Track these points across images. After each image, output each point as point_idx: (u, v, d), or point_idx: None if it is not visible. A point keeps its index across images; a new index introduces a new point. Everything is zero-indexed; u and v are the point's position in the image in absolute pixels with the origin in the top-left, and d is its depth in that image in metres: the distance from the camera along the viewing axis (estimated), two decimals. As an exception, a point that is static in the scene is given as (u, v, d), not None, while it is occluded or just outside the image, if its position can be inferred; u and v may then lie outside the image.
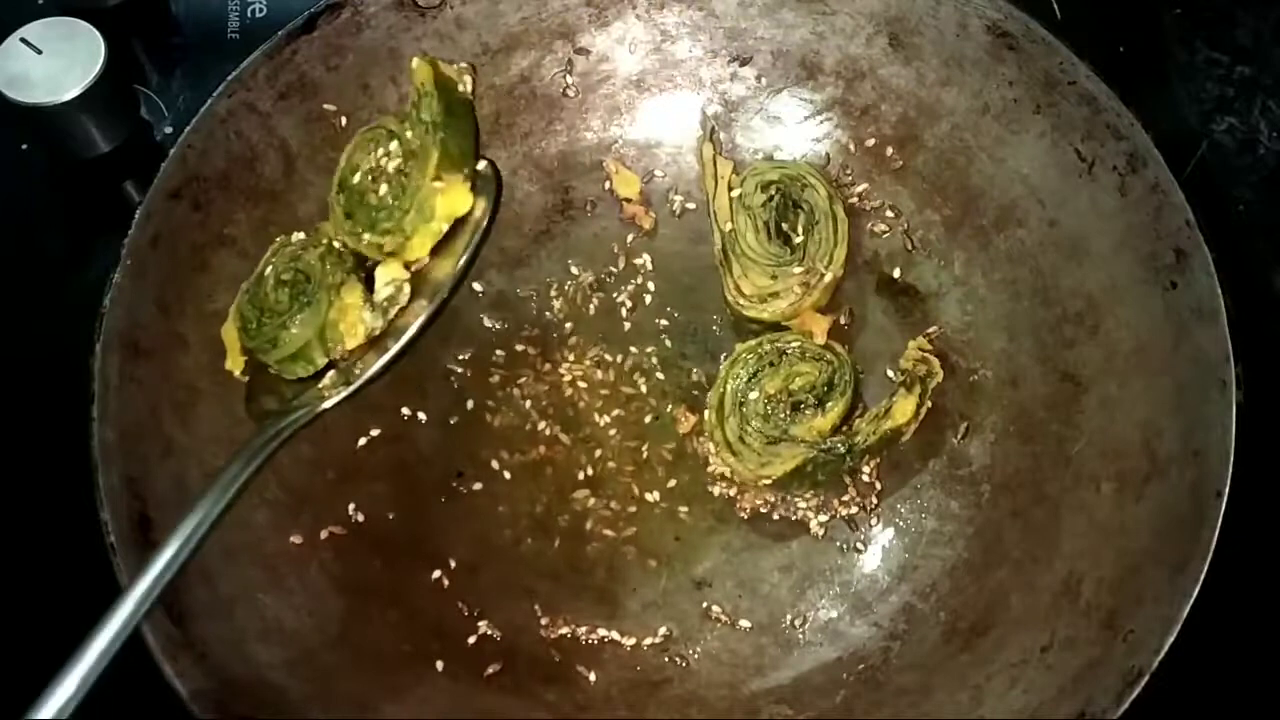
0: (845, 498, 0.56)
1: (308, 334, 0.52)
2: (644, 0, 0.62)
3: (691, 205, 0.63)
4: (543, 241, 0.62)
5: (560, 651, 0.54)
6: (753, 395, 0.56)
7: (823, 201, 0.59)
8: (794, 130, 0.63)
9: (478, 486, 0.57)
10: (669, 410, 0.58)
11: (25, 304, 0.63)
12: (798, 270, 0.58)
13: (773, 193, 0.60)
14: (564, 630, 0.54)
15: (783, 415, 0.56)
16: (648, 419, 0.58)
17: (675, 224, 0.63)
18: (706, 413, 0.57)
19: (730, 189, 0.60)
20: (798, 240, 0.59)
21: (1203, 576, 0.47)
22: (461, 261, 0.55)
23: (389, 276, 0.55)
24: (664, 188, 0.63)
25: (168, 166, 0.54)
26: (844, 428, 0.56)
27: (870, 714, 0.52)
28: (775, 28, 0.62)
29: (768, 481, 0.55)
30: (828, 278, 0.58)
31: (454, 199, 0.55)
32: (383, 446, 0.57)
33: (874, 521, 0.56)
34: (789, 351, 0.57)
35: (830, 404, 0.56)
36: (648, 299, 0.61)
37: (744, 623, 0.55)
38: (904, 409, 0.56)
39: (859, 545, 0.56)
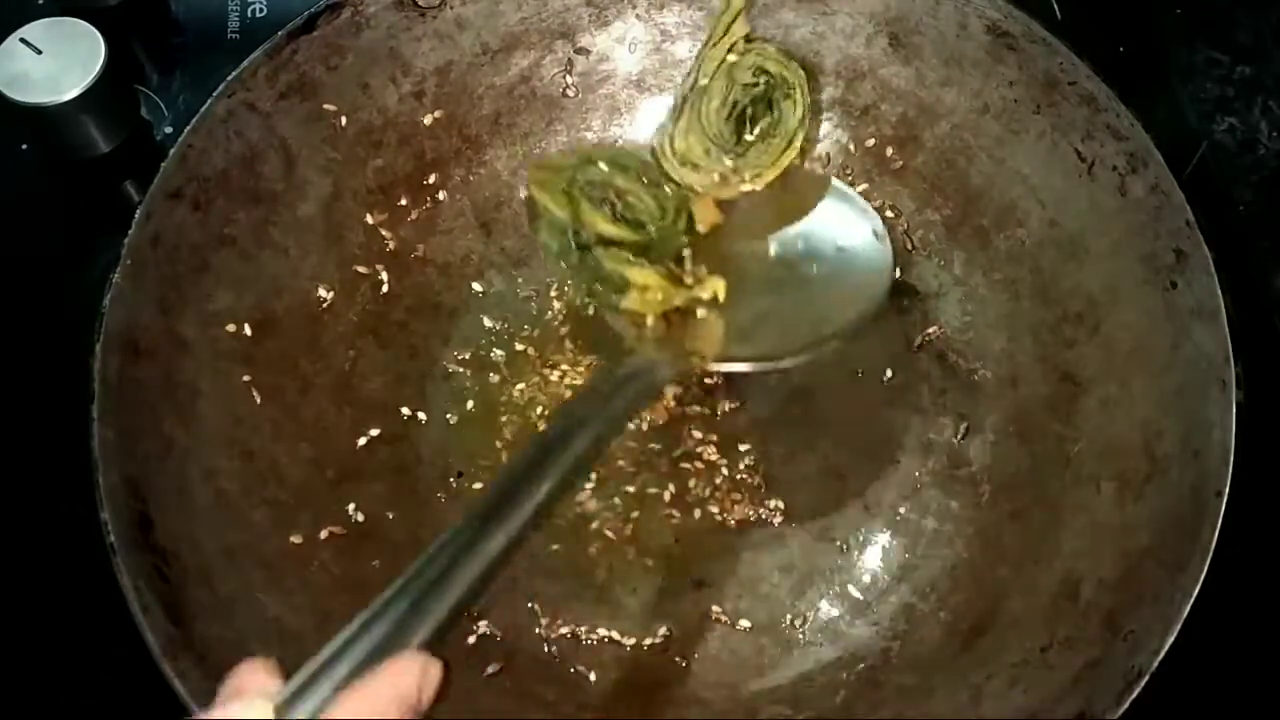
0: (846, 498, 0.56)
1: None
2: (644, 0, 0.62)
3: (692, 205, 0.62)
4: (543, 241, 0.62)
5: (560, 651, 0.54)
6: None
7: (793, 121, 0.57)
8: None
9: (478, 486, 0.57)
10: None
11: (25, 304, 0.63)
12: (727, 163, 0.56)
13: (762, 82, 0.57)
14: (564, 630, 0.54)
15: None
16: (648, 419, 0.58)
17: (675, 224, 0.63)
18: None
19: (729, 51, 0.57)
20: (748, 138, 0.57)
21: (1203, 576, 0.47)
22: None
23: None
24: (664, 188, 0.63)
25: (168, 166, 0.54)
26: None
27: (870, 714, 0.51)
28: (775, 28, 0.62)
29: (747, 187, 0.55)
30: (744, 188, 0.56)
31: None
32: (383, 446, 0.57)
33: (874, 521, 0.57)
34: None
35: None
36: (648, 299, 0.61)
37: (744, 623, 0.55)
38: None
39: (859, 545, 0.56)
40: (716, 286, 0.52)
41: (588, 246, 0.51)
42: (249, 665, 0.34)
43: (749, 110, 0.57)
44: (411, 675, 0.33)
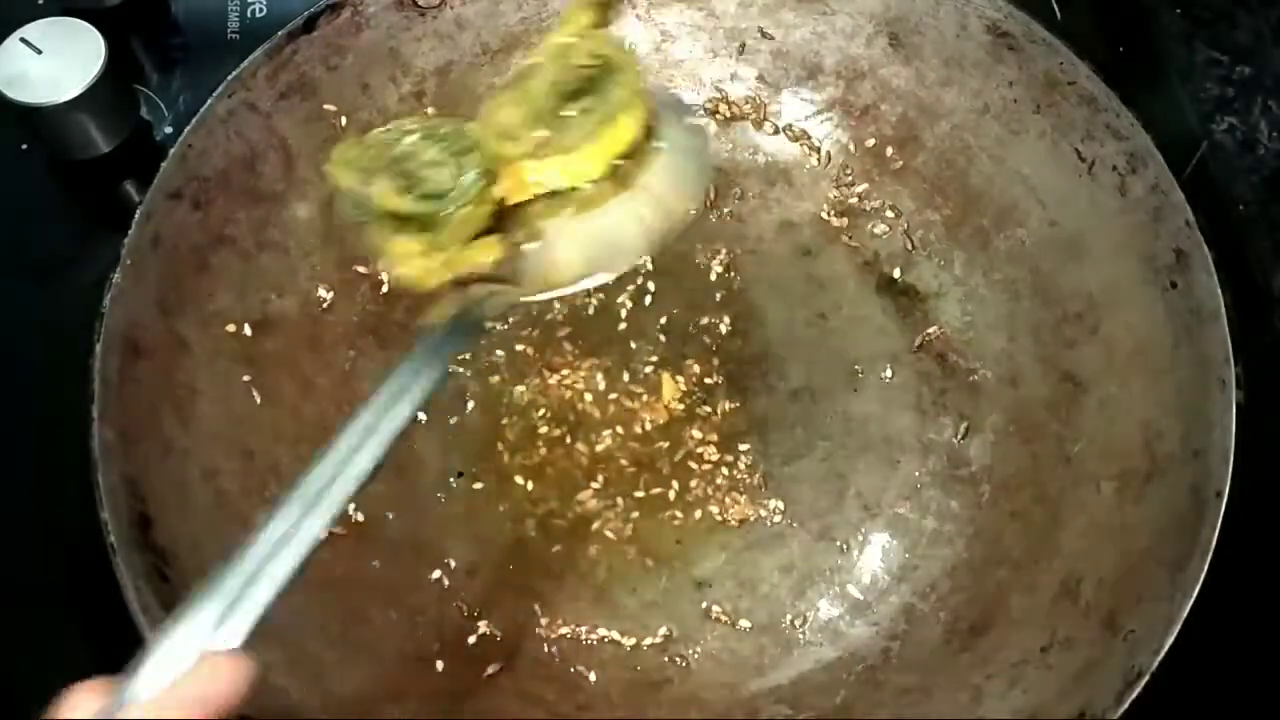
0: (846, 498, 0.56)
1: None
2: (644, 0, 0.62)
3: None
4: (543, 241, 0.62)
5: (560, 651, 0.54)
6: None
7: (615, 99, 0.52)
8: (793, 130, 0.63)
9: (478, 486, 0.57)
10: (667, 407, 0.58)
11: (25, 304, 0.63)
12: (542, 132, 0.51)
13: (594, 67, 0.53)
14: (564, 630, 0.54)
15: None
16: (648, 419, 0.58)
17: (675, 224, 0.63)
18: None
19: (572, 34, 0.54)
20: (568, 113, 0.52)
21: (1203, 576, 0.47)
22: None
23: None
24: (664, 188, 0.63)
25: (168, 166, 0.54)
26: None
27: (870, 714, 0.51)
28: (775, 28, 0.62)
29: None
30: (557, 159, 0.51)
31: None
32: (383, 446, 0.57)
33: (874, 521, 0.57)
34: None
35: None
36: (647, 299, 0.61)
37: (744, 623, 0.55)
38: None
39: (859, 545, 0.56)
40: (491, 251, 0.50)
41: (367, 221, 0.50)
42: (81, 686, 0.35)
43: (576, 93, 0.52)
44: (216, 675, 0.35)
